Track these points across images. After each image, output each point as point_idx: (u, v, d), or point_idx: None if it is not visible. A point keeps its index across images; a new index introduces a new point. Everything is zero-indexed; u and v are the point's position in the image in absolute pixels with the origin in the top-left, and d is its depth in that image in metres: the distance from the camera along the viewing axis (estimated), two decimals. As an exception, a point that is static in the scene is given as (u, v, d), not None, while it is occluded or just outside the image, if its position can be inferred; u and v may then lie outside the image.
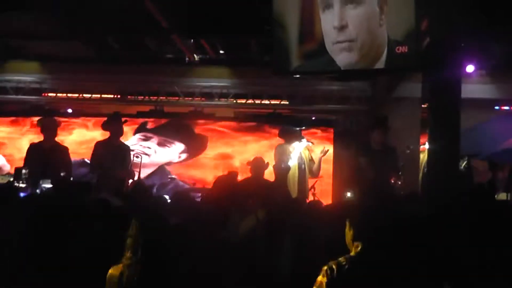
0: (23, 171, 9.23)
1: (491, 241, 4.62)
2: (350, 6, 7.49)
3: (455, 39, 7.62)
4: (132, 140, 13.42)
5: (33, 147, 10.09)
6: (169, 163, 13.62)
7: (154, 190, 12.10)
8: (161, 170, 13.54)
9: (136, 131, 13.68)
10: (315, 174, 10.53)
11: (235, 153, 13.49)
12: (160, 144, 13.73)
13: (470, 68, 9.74)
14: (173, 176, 13.25)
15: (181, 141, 13.70)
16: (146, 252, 4.05)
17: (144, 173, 12.02)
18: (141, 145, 13.51)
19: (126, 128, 11.27)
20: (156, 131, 13.83)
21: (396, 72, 9.55)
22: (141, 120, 13.72)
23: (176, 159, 13.65)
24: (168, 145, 13.71)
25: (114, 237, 4.36)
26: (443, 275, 4.50)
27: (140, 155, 11.13)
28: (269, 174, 10.26)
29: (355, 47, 7.61)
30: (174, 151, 13.67)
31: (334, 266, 4.02)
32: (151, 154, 13.56)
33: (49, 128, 10.09)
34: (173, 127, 13.76)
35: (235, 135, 13.64)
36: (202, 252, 4.72)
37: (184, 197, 7.04)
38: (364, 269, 4.03)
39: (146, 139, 13.75)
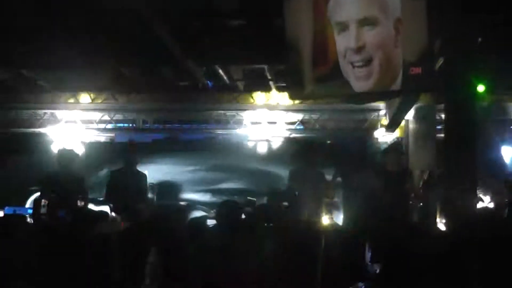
0: (42, 202, 9.29)
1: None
2: (367, 27, 7.49)
3: (468, 59, 7.62)
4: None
5: (49, 177, 10.12)
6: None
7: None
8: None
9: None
10: (330, 196, 10.51)
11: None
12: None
13: (481, 88, 9.71)
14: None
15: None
16: (165, 279, 4.05)
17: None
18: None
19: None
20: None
21: (411, 93, 9.52)
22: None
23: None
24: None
25: (132, 264, 4.36)
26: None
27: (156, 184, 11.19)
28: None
29: (371, 69, 7.60)
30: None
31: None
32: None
33: (66, 158, 10.14)
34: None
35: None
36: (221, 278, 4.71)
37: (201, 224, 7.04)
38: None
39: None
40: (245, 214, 7.98)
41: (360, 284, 4.06)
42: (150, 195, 10.92)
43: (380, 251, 4.17)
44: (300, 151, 11.29)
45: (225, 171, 13.90)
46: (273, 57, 10.01)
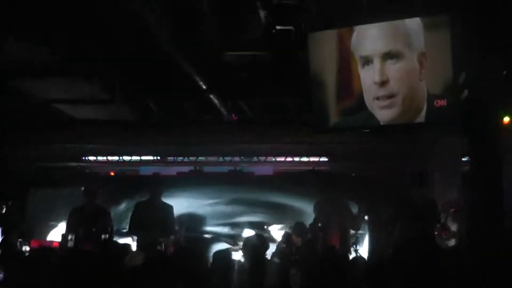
0: (69, 236, 9.37)
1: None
2: (391, 61, 7.50)
3: (493, 91, 7.58)
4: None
5: (75, 211, 10.17)
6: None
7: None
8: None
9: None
10: (356, 228, 10.48)
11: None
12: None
13: (507, 119, 9.63)
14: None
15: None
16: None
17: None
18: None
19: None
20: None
21: (436, 126, 9.49)
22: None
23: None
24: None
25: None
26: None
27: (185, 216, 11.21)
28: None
29: (396, 102, 7.60)
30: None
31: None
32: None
33: (92, 192, 10.19)
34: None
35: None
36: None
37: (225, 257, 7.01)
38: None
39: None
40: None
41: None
42: (177, 227, 10.90)
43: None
44: (325, 183, 11.27)
45: (248, 204, 13.84)
46: (297, 90, 10.04)
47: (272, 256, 9.23)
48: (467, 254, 7.72)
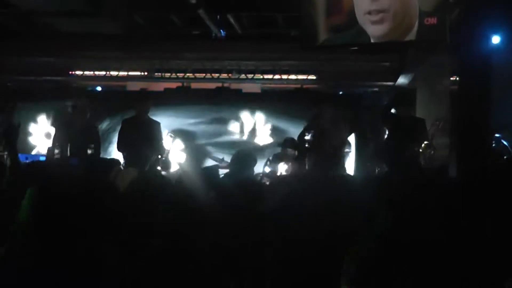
0: (56, 150, 9.38)
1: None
2: (383, -25, 7.43)
3: (484, 9, 7.52)
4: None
5: (62, 125, 10.17)
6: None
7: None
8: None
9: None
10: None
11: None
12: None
13: (496, 39, 9.59)
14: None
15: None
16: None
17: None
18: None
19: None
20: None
21: (426, 44, 9.43)
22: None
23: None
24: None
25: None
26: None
27: (174, 135, 11.18)
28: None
29: (387, 17, 7.53)
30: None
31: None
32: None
33: (80, 108, 10.16)
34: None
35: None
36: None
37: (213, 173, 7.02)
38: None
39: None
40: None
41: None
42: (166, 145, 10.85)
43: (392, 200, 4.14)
44: (314, 102, 11.21)
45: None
46: (286, 5, 9.91)
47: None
48: (452, 172, 7.78)
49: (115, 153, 10.78)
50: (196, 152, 12.82)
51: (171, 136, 10.97)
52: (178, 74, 13.30)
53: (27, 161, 9.16)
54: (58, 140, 9.83)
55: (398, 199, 4.13)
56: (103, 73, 13.61)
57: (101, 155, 10.33)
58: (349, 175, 9.36)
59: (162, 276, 3.89)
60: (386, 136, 9.84)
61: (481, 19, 7.43)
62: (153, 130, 10.22)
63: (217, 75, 13.18)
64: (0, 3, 10.56)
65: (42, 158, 9.89)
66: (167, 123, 11.97)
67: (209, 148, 13.36)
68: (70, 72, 13.58)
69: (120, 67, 13.46)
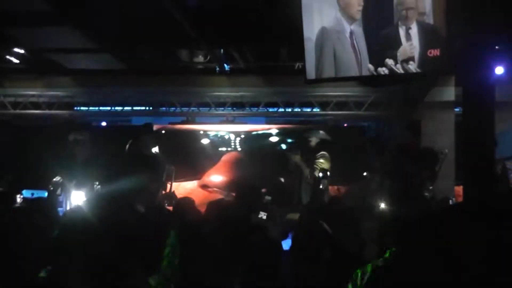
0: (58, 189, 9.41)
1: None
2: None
3: (487, 41, 7.52)
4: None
5: (65, 161, 10.16)
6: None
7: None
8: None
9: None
10: None
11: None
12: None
13: (499, 70, 9.58)
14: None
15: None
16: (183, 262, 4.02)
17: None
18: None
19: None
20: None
21: (429, 75, 9.44)
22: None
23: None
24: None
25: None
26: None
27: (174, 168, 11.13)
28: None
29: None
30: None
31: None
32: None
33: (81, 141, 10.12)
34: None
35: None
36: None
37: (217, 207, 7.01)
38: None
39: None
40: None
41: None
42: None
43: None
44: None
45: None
46: (288, 38, 9.93)
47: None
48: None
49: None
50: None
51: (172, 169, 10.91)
52: (182, 108, 13.29)
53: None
54: (61, 175, 9.80)
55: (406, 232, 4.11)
56: (108, 108, 13.64)
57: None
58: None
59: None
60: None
61: (484, 50, 7.44)
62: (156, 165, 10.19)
63: (221, 109, 13.17)
64: (6, 40, 10.65)
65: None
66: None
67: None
68: (75, 108, 13.62)
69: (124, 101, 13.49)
